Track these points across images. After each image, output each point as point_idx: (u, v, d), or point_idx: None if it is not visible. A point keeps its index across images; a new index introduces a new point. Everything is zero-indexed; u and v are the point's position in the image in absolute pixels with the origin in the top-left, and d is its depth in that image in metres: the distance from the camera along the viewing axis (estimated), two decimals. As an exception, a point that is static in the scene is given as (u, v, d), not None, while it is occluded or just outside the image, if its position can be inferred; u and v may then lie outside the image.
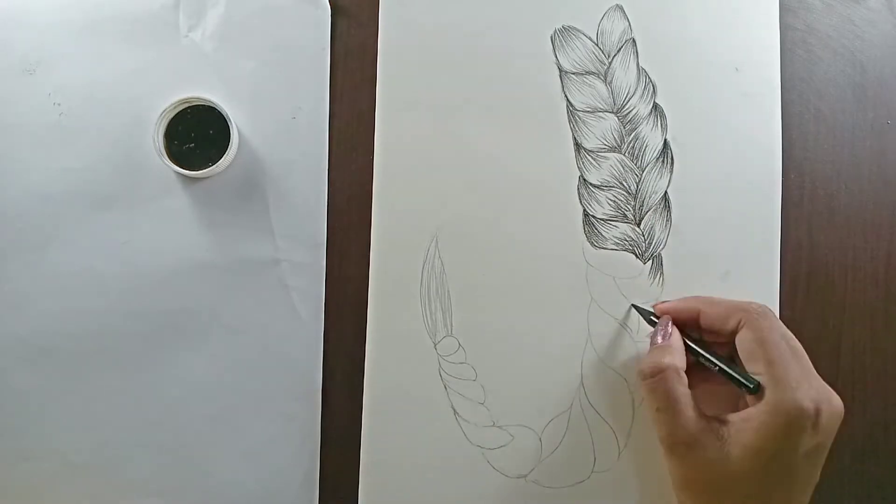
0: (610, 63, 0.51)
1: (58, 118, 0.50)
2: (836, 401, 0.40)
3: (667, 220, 0.50)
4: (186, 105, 0.48)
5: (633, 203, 0.50)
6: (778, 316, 0.48)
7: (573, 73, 0.51)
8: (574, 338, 0.49)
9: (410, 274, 0.49)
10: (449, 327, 0.49)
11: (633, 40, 0.51)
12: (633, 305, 0.49)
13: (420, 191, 0.50)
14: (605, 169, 0.50)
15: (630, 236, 0.50)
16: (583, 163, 0.50)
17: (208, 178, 0.49)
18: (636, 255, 0.50)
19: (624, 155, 0.50)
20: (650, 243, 0.50)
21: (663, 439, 0.42)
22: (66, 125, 0.50)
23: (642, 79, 0.50)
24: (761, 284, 0.49)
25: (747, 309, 0.43)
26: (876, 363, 0.50)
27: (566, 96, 0.50)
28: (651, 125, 0.50)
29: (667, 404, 0.41)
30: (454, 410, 0.49)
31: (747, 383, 0.41)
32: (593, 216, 0.50)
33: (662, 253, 0.50)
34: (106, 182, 0.49)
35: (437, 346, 0.49)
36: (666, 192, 0.50)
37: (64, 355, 0.49)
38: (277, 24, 0.50)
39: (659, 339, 0.44)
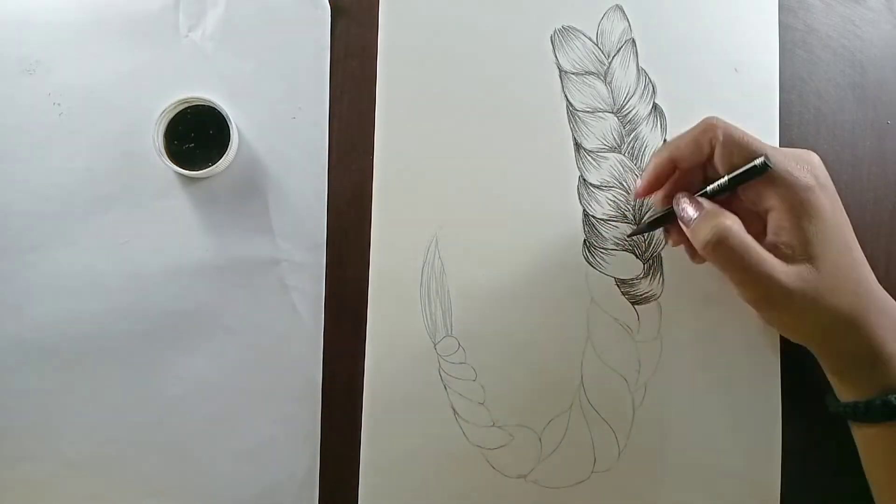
0: (610, 63, 0.51)
1: (58, 118, 0.50)
2: (813, 156, 0.43)
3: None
4: (186, 105, 0.48)
5: (632, 203, 0.50)
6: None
7: (573, 74, 0.51)
8: (574, 338, 0.49)
9: (410, 274, 0.49)
10: (449, 327, 0.49)
11: (633, 40, 0.51)
12: (629, 235, 0.49)
13: (420, 191, 0.50)
14: (605, 169, 0.50)
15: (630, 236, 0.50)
16: (583, 163, 0.50)
17: (208, 178, 0.49)
18: (636, 256, 0.50)
19: (624, 155, 0.50)
20: (650, 243, 0.50)
21: (760, 298, 0.42)
22: (66, 125, 0.50)
23: (642, 79, 0.50)
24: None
25: (709, 125, 0.43)
26: (876, 363, 0.50)
27: (566, 96, 0.50)
28: (651, 125, 0.50)
29: (752, 261, 0.40)
30: (454, 410, 0.49)
31: (761, 163, 0.41)
32: (593, 216, 0.50)
33: (662, 253, 0.50)
34: (106, 182, 0.50)
35: (437, 346, 0.49)
36: (666, 192, 0.50)
37: (64, 355, 0.49)
38: (277, 25, 0.50)
39: (691, 212, 0.43)
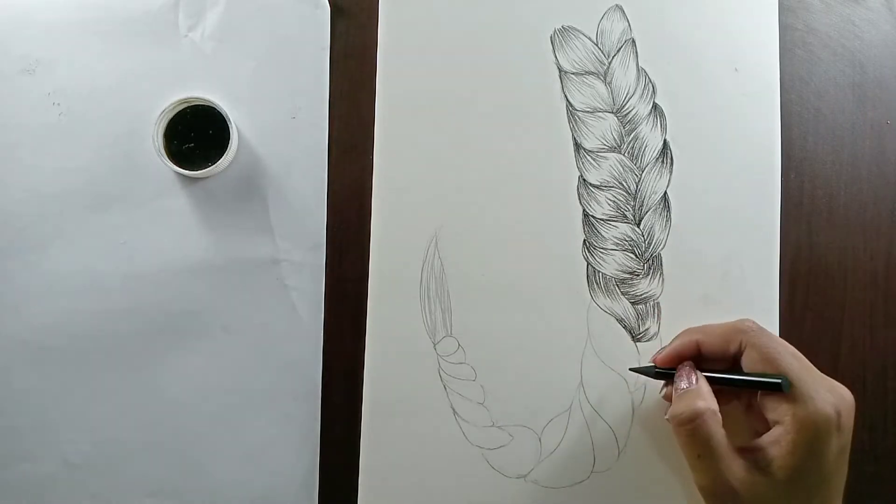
0: (609, 63, 0.51)
1: (58, 118, 0.50)
2: (847, 394, 0.41)
3: (666, 221, 0.50)
4: (186, 105, 0.48)
5: (632, 203, 0.50)
6: (778, 314, 0.48)
7: (573, 73, 0.51)
8: (574, 338, 0.49)
9: (410, 274, 0.49)
10: (448, 327, 0.49)
11: (633, 40, 0.51)
12: (631, 370, 0.48)
13: (420, 191, 0.50)
14: (605, 169, 0.50)
15: (630, 236, 0.50)
16: (582, 163, 0.50)
17: (208, 178, 0.49)
18: (636, 256, 0.50)
19: (623, 155, 0.50)
20: (650, 243, 0.50)
21: (707, 488, 0.41)
22: (66, 125, 0.50)
23: (642, 79, 0.50)
24: (761, 284, 0.49)
25: (743, 329, 0.42)
26: (876, 363, 0.50)
27: (566, 96, 0.50)
28: (651, 125, 0.50)
29: (709, 450, 0.40)
30: (454, 410, 0.49)
31: (777, 381, 0.40)
32: (593, 216, 0.50)
33: (662, 253, 0.50)
34: (106, 182, 0.50)
35: (437, 346, 0.49)
36: (665, 192, 0.50)
37: (64, 355, 0.49)
38: (277, 25, 0.50)
39: (683, 385, 0.43)
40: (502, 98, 0.50)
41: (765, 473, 0.40)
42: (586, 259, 0.50)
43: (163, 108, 0.47)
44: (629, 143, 0.50)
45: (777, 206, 0.50)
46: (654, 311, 0.49)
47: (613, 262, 0.50)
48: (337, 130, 0.50)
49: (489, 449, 0.49)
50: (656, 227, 0.50)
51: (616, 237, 0.50)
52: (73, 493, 0.49)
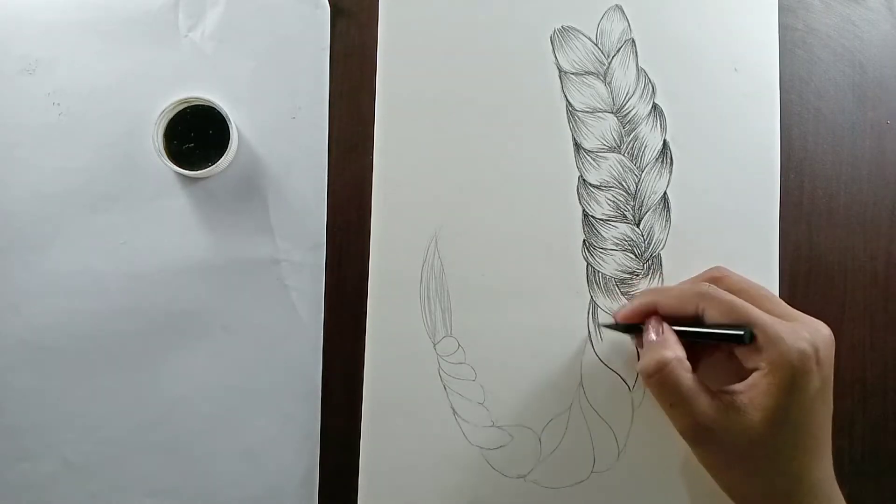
0: (609, 63, 0.51)
1: (58, 118, 0.50)
2: (824, 328, 0.41)
3: (666, 221, 0.50)
4: (186, 105, 0.48)
5: (632, 203, 0.50)
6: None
7: (573, 74, 0.51)
8: (574, 338, 0.49)
9: (410, 274, 0.49)
10: (448, 327, 0.49)
11: (633, 40, 0.51)
12: (603, 324, 0.49)
13: (420, 191, 0.50)
14: (605, 169, 0.50)
15: (629, 236, 0.50)
16: (582, 163, 0.50)
17: (208, 178, 0.49)
18: (635, 256, 0.50)
19: (623, 155, 0.50)
20: (650, 243, 0.50)
21: (685, 431, 0.41)
22: (66, 125, 0.50)
23: (641, 79, 0.50)
24: (761, 284, 0.49)
25: (700, 292, 0.42)
26: (876, 363, 0.50)
27: (566, 96, 0.50)
28: (650, 125, 0.50)
29: (679, 397, 0.41)
30: (454, 410, 0.49)
31: (740, 334, 0.40)
32: (593, 216, 0.50)
33: (662, 253, 0.50)
34: (105, 182, 0.50)
35: (437, 347, 0.49)
36: (665, 192, 0.50)
37: (64, 355, 0.49)
38: (277, 24, 0.50)
39: (652, 337, 0.44)
40: (502, 98, 0.50)
41: (740, 414, 0.39)
42: (586, 259, 0.50)
43: (163, 108, 0.48)
44: (629, 144, 0.50)
45: (777, 205, 0.50)
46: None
47: (613, 263, 0.50)
48: (337, 130, 0.50)
49: (489, 449, 0.49)
50: (656, 227, 0.50)
51: (616, 237, 0.50)
52: (73, 493, 0.49)
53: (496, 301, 0.49)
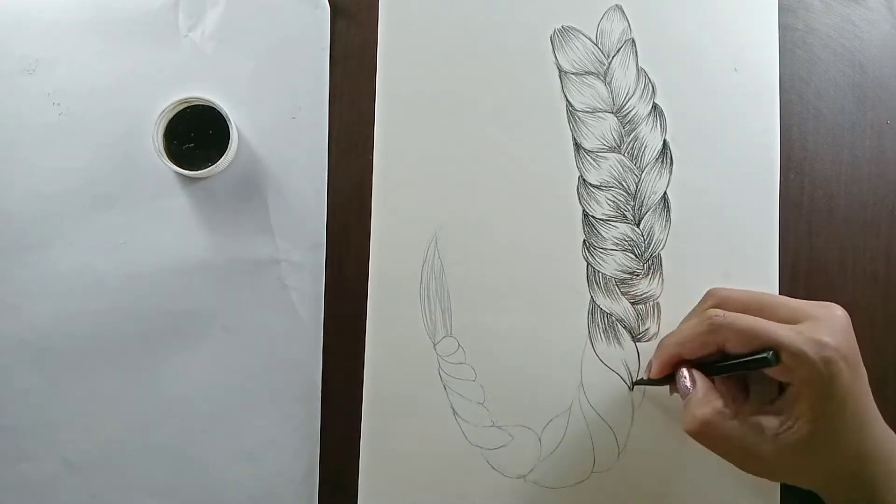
0: (609, 63, 0.51)
1: (58, 118, 0.50)
2: (838, 311, 0.41)
3: (666, 221, 0.50)
4: (186, 105, 0.48)
5: (632, 203, 0.50)
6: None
7: (573, 74, 0.51)
8: (574, 338, 0.49)
9: (410, 274, 0.49)
10: (448, 327, 0.49)
11: (633, 41, 0.51)
12: (635, 383, 0.49)
13: (420, 191, 0.50)
14: (605, 169, 0.50)
15: (629, 236, 0.50)
16: (582, 163, 0.50)
17: (208, 178, 0.49)
18: (635, 256, 0.50)
19: (623, 155, 0.50)
20: (650, 243, 0.50)
21: (747, 469, 0.42)
22: (66, 125, 0.50)
23: (641, 79, 0.50)
24: (760, 284, 0.49)
25: (712, 327, 0.42)
26: (876, 363, 0.50)
27: (566, 96, 0.50)
28: (650, 125, 0.50)
29: (730, 446, 0.41)
30: (454, 410, 0.49)
31: (765, 357, 0.40)
32: (593, 216, 0.50)
33: (662, 253, 0.50)
34: (105, 182, 0.50)
35: (437, 347, 0.49)
36: (665, 192, 0.50)
37: (64, 355, 0.49)
38: (277, 25, 0.50)
39: (686, 385, 0.43)
40: (502, 98, 0.50)
41: (789, 433, 0.40)
42: (586, 259, 0.50)
43: (163, 108, 0.47)
44: (629, 144, 0.50)
45: (776, 205, 0.50)
46: (653, 311, 0.49)
47: (613, 262, 0.50)
48: (337, 130, 0.50)
49: (489, 449, 0.49)
50: (656, 227, 0.50)
51: (616, 237, 0.50)
52: (73, 493, 0.49)
53: (496, 301, 0.49)
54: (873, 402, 0.42)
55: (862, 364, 0.41)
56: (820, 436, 0.40)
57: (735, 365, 0.42)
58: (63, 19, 0.50)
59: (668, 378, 0.45)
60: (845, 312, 0.41)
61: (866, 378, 0.41)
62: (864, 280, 0.50)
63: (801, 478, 0.43)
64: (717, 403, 0.42)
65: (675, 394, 0.45)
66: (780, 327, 0.40)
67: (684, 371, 0.44)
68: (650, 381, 0.47)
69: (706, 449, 0.42)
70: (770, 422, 0.41)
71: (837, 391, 0.39)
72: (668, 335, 0.46)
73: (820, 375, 0.39)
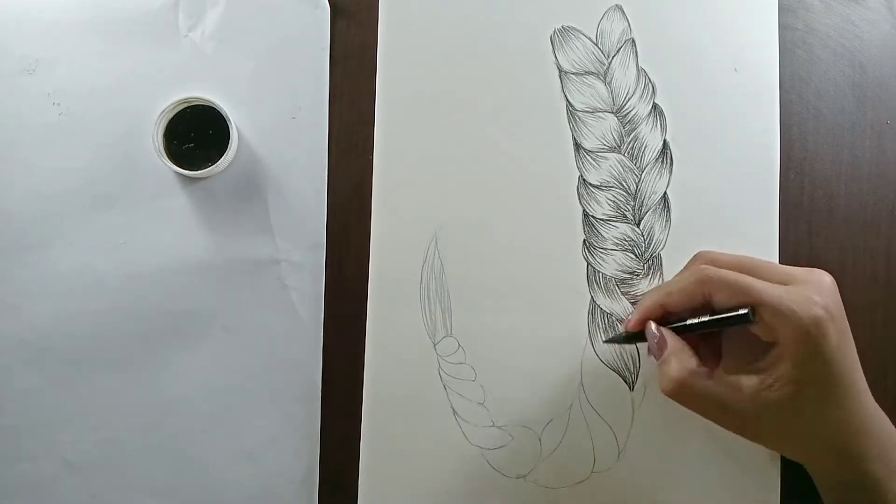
0: (609, 63, 0.51)
1: (58, 118, 0.50)
2: (825, 277, 0.42)
3: (666, 221, 0.50)
4: (186, 105, 0.48)
5: (632, 203, 0.50)
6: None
7: (573, 74, 0.51)
8: (574, 338, 0.49)
9: (410, 274, 0.49)
10: (448, 327, 0.49)
11: (633, 41, 0.51)
12: (605, 342, 0.49)
13: (420, 191, 0.50)
14: (605, 169, 0.50)
15: (630, 236, 0.50)
16: (582, 163, 0.50)
17: (208, 178, 0.49)
18: (636, 256, 0.50)
19: (623, 155, 0.50)
20: (650, 243, 0.50)
21: (728, 427, 0.42)
22: (66, 125, 0.50)
23: (642, 79, 0.50)
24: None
25: (702, 278, 0.42)
26: (876, 363, 0.50)
27: (566, 96, 0.50)
28: (650, 125, 0.50)
29: (709, 404, 0.41)
30: (454, 411, 0.49)
31: (744, 313, 0.40)
32: (593, 216, 0.50)
33: (662, 253, 0.50)
34: (105, 182, 0.50)
35: (437, 347, 0.49)
36: (665, 192, 0.50)
37: (64, 355, 0.49)
38: (277, 25, 0.50)
39: (654, 349, 0.44)
40: (502, 98, 0.50)
41: (774, 391, 0.40)
42: (586, 259, 0.50)
43: (163, 108, 0.48)
44: (629, 143, 0.50)
45: (776, 205, 0.50)
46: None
47: (613, 262, 0.50)
48: (337, 130, 0.50)
49: (489, 449, 0.49)
50: (656, 227, 0.50)
51: (616, 237, 0.50)
52: (73, 493, 0.49)
53: (496, 301, 0.49)
54: (862, 375, 0.42)
55: (850, 333, 0.41)
56: (804, 398, 0.40)
57: (714, 321, 0.42)
58: (63, 19, 0.50)
59: (639, 335, 0.45)
60: (833, 280, 0.42)
61: (855, 349, 0.41)
62: (864, 280, 0.50)
63: (787, 443, 0.42)
64: (692, 362, 0.42)
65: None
66: (769, 285, 0.40)
67: (653, 326, 0.44)
68: (623, 338, 0.47)
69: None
70: (749, 381, 0.41)
71: (824, 351, 0.39)
72: (652, 288, 0.46)
73: (807, 334, 0.39)
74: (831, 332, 0.39)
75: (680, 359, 0.42)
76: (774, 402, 0.40)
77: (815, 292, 0.40)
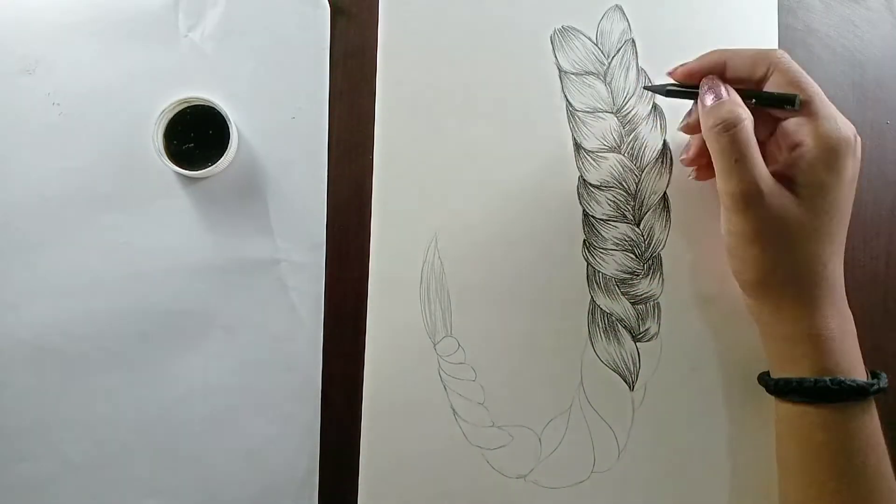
0: (609, 63, 0.51)
1: (57, 118, 0.50)
2: (858, 137, 0.43)
3: (666, 221, 0.50)
4: (186, 105, 0.48)
5: (632, 203, 0.50)
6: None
7: (573, 74, 0.51)
8: (574, 338, 0.49)
9: (410, 274, 0.49)
10: (448, 327, 0.49)
11: (633, 41, 0.51)
12: (645, 87, 0.49)
13: (420, 191, 0.50)
14: (605, 169, 0.50)
15: (630, 236, 0.50)
16: (582, 163, 0.50)
17: (208, 178, 0.49)
18: (636, 256, 0.50)
19: (623, 155, 0.50)
20: (650, 243, 0.50)
21: (740, 192, 0.41)
22: (66, 125, 0.50)
23: (642, 79, 0.50)
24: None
25: (772, 55, 0.43)
26: (876, 363, 0.50)
27: (566, 96, 0.50)
28: (650, 125, 0.50)
29: (747, 153, 0.41)
30: (454, 411, 0.49)
31: (792, 95, 0.41)
32: (593, 216, 0.50)
33: (662, 253, 0.50)
34: (106, 182, 0.50)
35: (437, 347, 0.49)
36: (665, 192, 0.50)
37: (64, 355, 0.49)
38: (277, 25, 0.50)
39: (711, 98, 0.43)
40: (502, 98, 0.50)
41: (789, 185, 0.41)
42: (586, 259, 0.50)
43: (163, 108, 0.47)
44: (629, 144, 0.50)
45: (777, 206, 0.50)
46: (654, 311, 0.49)
47: (613, 262, 0.50)
48: (337, 130, 0.50)
49: (489, 449, 0.49)
50: (656, 227, 0.50)
51: (616, 237, 0.50)
52: (73, 493, 0.49)
53: (496, 301, 0.49)
54: (845, 240, 0.43)
55: (853, 195, 0.42)
56: (807, 207, 0.41)
57: (762, 95, 0.42)
58: (63, 19, 0.50)
59: (679, 94, 0.45)
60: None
61: (850, 203, 0.42)
62: (864, 280, 0.50)
63: (756, 250, 0.42)
64: (750, 115, 0.42)
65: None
66: (823, 95, 0.42)
67: (714, 78, 0.43)
68: (660, 89, 0.46)
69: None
70: (772, 167, 0.42)
71: (838, 172, 0.41)
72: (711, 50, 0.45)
73: (835, 142, 0.40)
74: (850, 161, 0.41)
75: (743, 107, 0.42)
76: (783, 193, 0.41)
77: (852, 127, 0.42)
